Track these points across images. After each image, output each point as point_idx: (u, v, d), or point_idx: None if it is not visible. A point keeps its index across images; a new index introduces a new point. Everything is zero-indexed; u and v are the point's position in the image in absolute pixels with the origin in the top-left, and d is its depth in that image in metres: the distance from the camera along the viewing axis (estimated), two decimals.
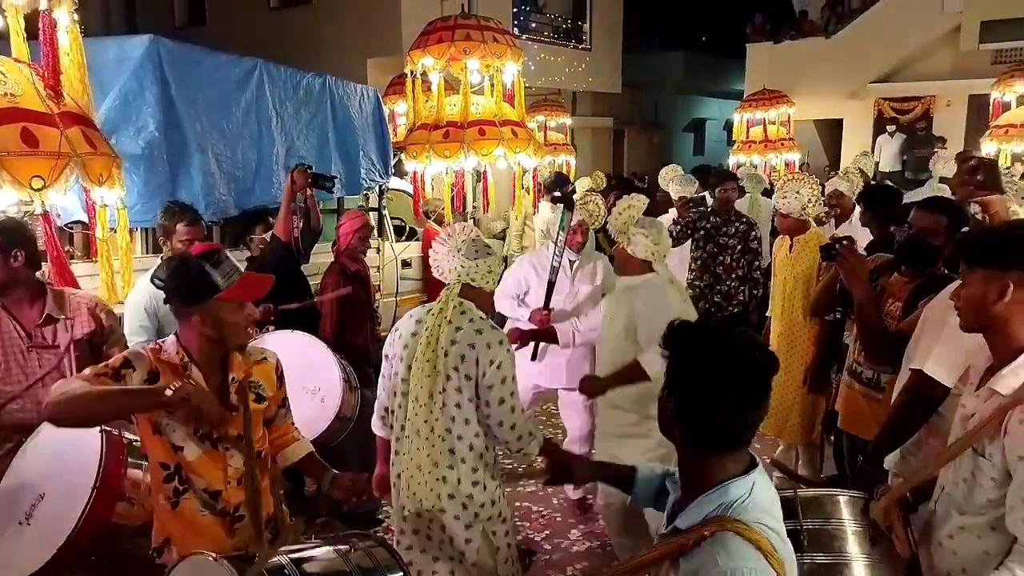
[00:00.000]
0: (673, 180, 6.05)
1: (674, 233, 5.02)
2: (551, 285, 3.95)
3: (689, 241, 5.38)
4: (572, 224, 4.04)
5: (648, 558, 1.43)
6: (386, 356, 2.68)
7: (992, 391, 1.79)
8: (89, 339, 2.75)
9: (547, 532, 4.10)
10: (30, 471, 2.29)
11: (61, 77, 3.11)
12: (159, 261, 3.46)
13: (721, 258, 5.27)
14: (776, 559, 1.33)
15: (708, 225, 5.33)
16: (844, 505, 2.05)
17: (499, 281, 2.76)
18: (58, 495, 2.20)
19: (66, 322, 2.71)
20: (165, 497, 2.04)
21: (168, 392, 1.81)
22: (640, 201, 3.38)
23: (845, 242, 2.78)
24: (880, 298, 2.94)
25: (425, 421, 2.48)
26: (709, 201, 6.14)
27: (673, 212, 5.87)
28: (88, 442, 2.20)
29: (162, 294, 3.27)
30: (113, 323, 2.86)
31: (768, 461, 4.46)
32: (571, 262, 4.13)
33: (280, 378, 2.25)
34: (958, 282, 2.03)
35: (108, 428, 2.21)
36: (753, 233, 5.29)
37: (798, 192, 4.16)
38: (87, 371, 1.97)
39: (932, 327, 2.27)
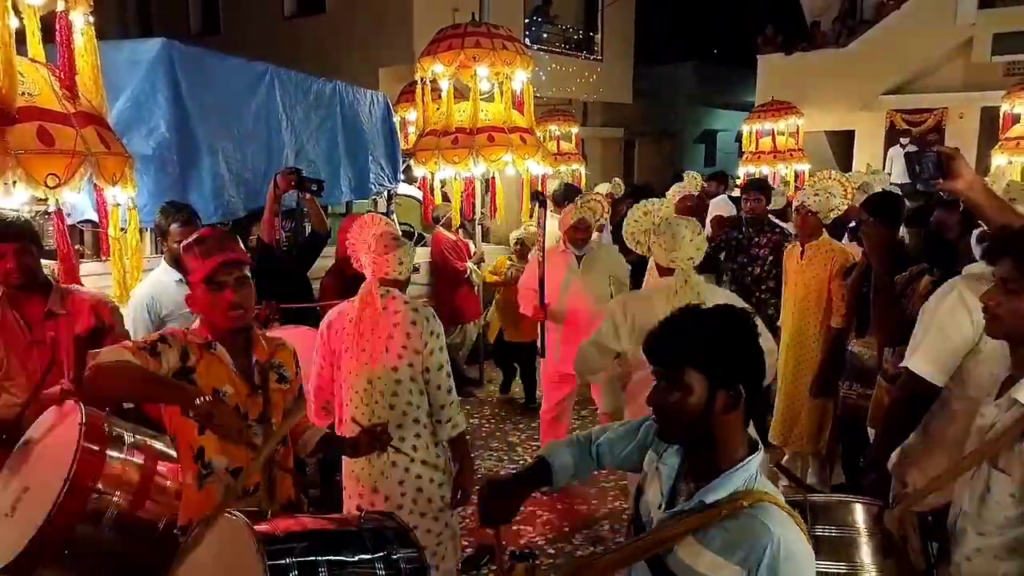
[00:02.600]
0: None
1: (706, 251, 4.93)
2: (541, 283, 4.30)
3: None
4: (573, 222, 4.39)
5: (675, 532, 1.44)
6: (326, 346, 2.90)
7: (1014, 400, 1.74)
8: (91, 335, 2.77)
9: (550, 536, 4.10)
10: (19, 465, 2.31)
11: (76, 78, 3.17)
12: (161, 261, 3.54)
13: (750, 268, 5.05)
14: (804, 528, 1.43)
15: (740, 236, 5.18)
16: (857, 512, 1.99)
17: (410, 268, 2.94)
18: (38, 487, 2.21)
19: (68, 318, 2.74)
20: (193, 476, 2.10)
21: (197, 401, 1.87)
22: (656, 207, 3.27)
23: (866, 218, 2.80)
24: (913, 302, 2.95)
25: (371, 395, 2.77)
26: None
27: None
28: (68, 436, 2.21)
29: (164, 293, 3.36)
30: (116, 320, 2.89)
31: (773, 466, 4.46)
32: (577, 258, 4.38)
33: (297, 365, 2.32)
34: (956, 279, 2.03)
35: (89, 420, 2.22)
36: (787, 244, 4.86)
37: (830, 192, 4.16)
38: (128, 343, 2.04)
39: (925, 325, 2.25)
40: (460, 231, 6.43)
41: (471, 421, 5.84)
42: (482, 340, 6.65)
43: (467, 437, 3.03)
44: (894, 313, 2.63)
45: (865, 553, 1.93)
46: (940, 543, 1.95)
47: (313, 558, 1.70)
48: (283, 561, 1.64)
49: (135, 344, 2.02)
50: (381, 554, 1.81)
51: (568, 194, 7.10)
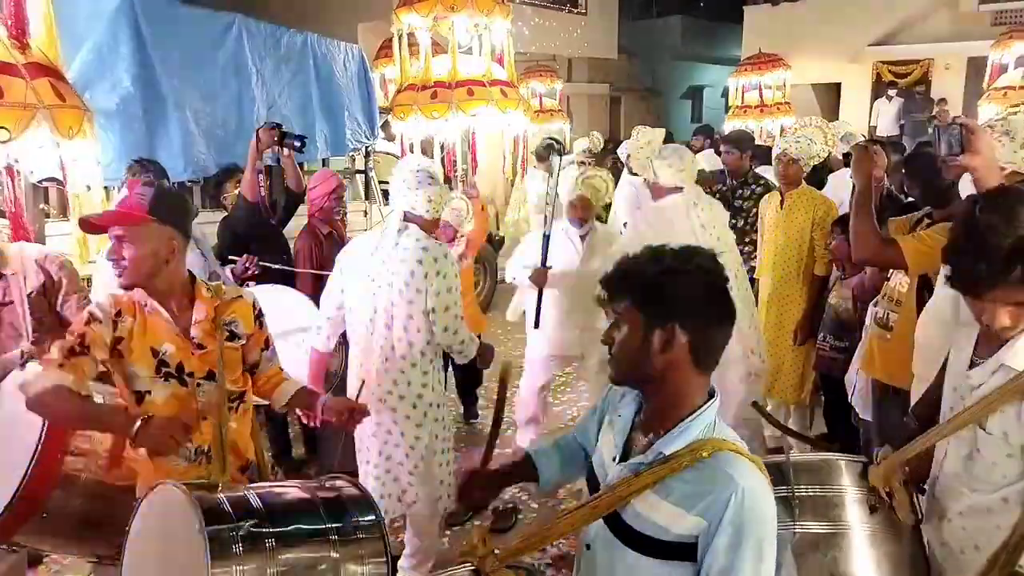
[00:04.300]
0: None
1: None
2: (546, 241, 3.83)
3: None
4: (572, 199, 3.92)
5: (635, 487, 1.39)
6: (340, 272, 2.98)
7: (1000, 364, 1.73)
8: (41, 292, 2.69)
9: (533, 491, 4.09)
10: None
11: (28, 27, 3.03)
12: None
13: (734, 221, 4.77)
14: (767, 475, 1.38)
15: (724, 188, 5.04)
16: (841, 470, 1.94)
17: (442, 208, 2.97)
18: (9, 454, 2.18)
19: (16, 278, 2.65)
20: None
21: (132, 430, 1.87)
22: (657, 134, 3.62)
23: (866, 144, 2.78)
24: None
25: (374, 333, 2.86)
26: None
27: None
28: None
29: None
30: (64, 275, 2.80)
31: (758, 412, 4.44)
32: (581, 237, 3.99)
33: (259, 318, 2.24)
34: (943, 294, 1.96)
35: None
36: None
37: (812, 139, 4.08)
38: (55, 353, 1.96)
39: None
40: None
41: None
42: None
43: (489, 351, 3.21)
44: (874, 230, 2.57)
45: (851, 512, 1.89)
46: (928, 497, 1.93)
47: (260, 530, 1.65)
48: (229, 535, 1.59)
49: (62, 351, 1.95)
50: (336, 524, 1.77)
51: (547, 150, 7.04)
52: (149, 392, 2.03)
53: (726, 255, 3.37)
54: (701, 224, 3.33)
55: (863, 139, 7.05)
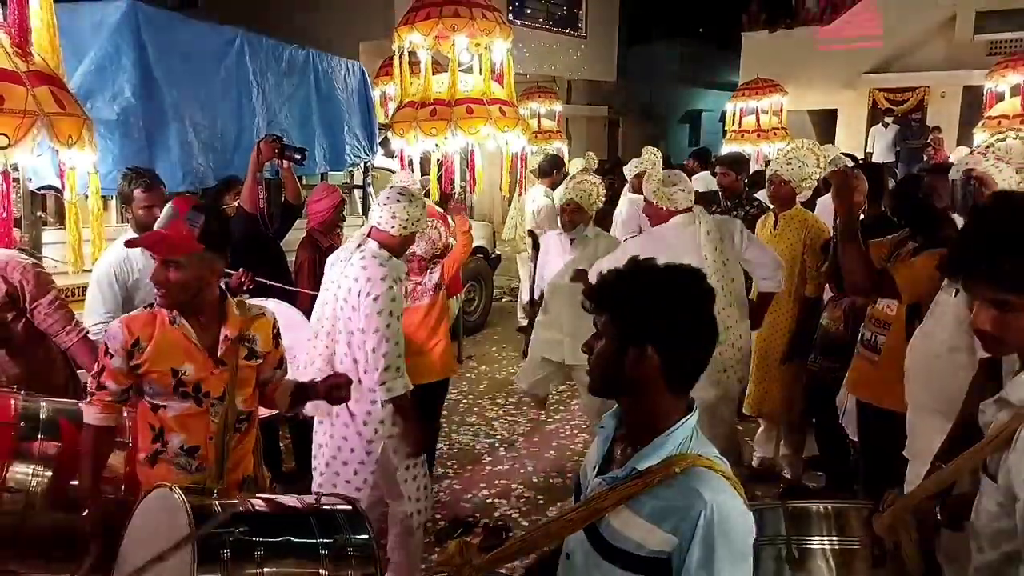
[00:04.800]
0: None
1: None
2: (533, 278, 4.08)
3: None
4: (562, 203, 4.14)
5: (608, 502, 1.38)
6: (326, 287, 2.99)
7: (1004, 400, 1.56)
8: (7, 300, 2.67)
9: (524, 508, 4.07)
10: None
11: (30, 36, 3.06)
12: (128, 229, 3.44)
13: None
14: (741, 491, 1.36)
15: (718, 210, 5.06)
16: (842, 519, 1.78)
17: (412, 227, 2.91)
18: None
19: None
20: (146, 455, 2.09)
21: (85, 512, 2.02)
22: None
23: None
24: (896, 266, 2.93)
25: (327, 347, 2.87)
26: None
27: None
28: None
29: (133, 262, 3.27)
30: (31, 279, 2.75)
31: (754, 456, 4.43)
32: (571, 241, 4.12)
33: (276, 337, 2.27)
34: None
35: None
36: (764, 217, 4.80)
37: (804, 162, 4.10)
38: (99, 397, 2.08)
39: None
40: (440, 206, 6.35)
41: (448, 396, 5.78)
42: (460, 317, 6.62)
43: (408, 400, 2.85)
44: (864, 260, 2.55)
45: (855, 567, 1.74)
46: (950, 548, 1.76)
47: (250, 539, 1.66)
48: (217, 540, 1.60)
49: (101, 402, 2.06)
50: (328, 539, 1.78)
51: (552, 165, 7.15)
52: (164, 406, 2.06)
53: (730, 264, 3.56)
54: (707, 232, 3.53)
55: (848, 163, 7.12)
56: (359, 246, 2.87)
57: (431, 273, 3.69)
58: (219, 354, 2.08)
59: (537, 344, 4.26)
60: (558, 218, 4.30)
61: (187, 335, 2.05)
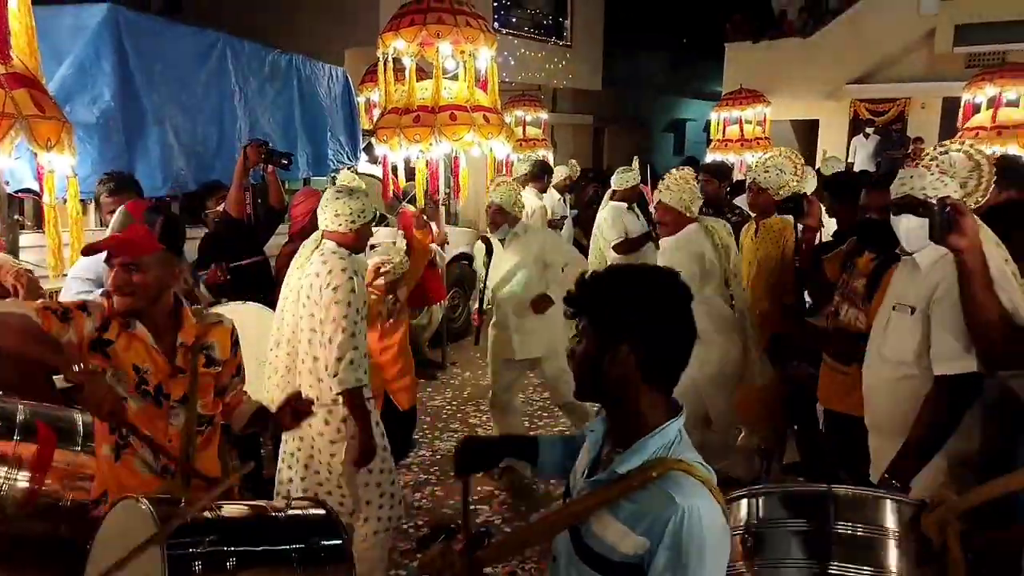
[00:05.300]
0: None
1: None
2: (483, 285, 4.51)
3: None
4: (486, 206, 4.41)
5: (587, 505, 1.39)
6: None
7: None
8: None
9: (506, 515, 4.06)
10: None
11: (9, 38, 3.04)
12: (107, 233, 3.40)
13: None
14: (720, 497, 1.36)
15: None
16: (888, 510, 1.73)
17: (360, 219, 2.91)
18: None
19: None
20: (109, 448, 2.05)
21: (75, 368, 1.80)
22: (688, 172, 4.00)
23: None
24: (853, 278, 2.95)
25: (288, 354, 2.91)
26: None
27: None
28: None
29: (105, 266, 3.24)
30: (23, 284, 2.73)
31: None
32: (500, 241, 4.42)
33: (235, 344, 2.24)
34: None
35: None
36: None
37: (781, 169, 4.13)
38: (39, 301, 2.01)
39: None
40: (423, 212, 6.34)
41: (432, 402, 5.78)
42: (445, 323, 6.60)
43: (363, 399, 2.83)
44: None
45: (894, 557, 1.68)
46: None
47: (220, 548, 1.64)
48: (188, 551, 1.58)
49: (44, 303, 1.95)
50: (300, 544, 1.76)
51: (543, 169, 7.20)
52: (126, 399, 2.01)
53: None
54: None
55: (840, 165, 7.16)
56: (316, 250, 2.91)
57: (400, 288, 3.92)
58: (176, 362, 2.06)
59: (492, 346, 4.47)
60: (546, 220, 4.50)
61: (143, 338, 2.02)
